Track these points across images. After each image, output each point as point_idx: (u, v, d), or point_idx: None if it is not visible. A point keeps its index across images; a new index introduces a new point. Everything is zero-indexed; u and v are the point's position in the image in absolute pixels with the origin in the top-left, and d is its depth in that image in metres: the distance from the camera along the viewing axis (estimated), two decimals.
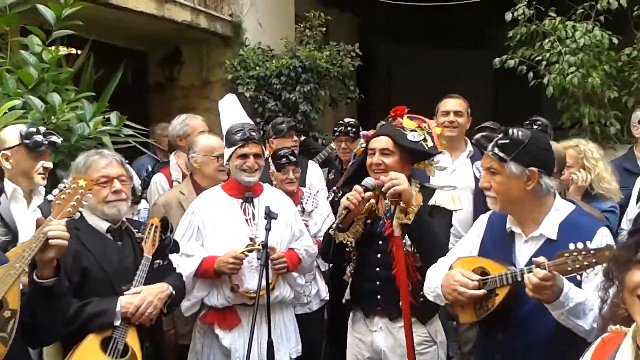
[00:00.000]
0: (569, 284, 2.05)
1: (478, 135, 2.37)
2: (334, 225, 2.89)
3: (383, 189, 2.78)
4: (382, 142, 2.95)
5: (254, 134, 3.26)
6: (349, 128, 4.72)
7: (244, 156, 3.21)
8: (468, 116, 4.25)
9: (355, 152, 3.27)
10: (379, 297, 2.94)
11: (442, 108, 4.25)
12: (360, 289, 2.99)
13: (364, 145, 3.19)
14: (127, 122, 4.05)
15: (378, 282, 2.94)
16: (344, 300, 3.03)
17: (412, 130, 2.98)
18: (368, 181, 2.86)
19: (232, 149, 3.22)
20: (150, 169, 4.96)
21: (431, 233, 2.79)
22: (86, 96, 3.96)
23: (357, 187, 2.84)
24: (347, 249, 2.99)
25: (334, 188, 4.02)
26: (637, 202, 3.84)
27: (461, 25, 10.13)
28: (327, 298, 3.90)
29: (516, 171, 2.21)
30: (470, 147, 4.20)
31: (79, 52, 4.59)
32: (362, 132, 3.35)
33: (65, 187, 2.32)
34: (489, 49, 6.45)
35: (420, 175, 3.18)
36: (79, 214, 2.37)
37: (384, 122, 3.14)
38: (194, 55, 7.66)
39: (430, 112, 4.23)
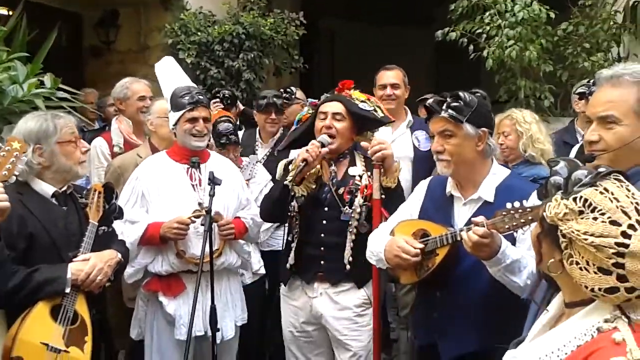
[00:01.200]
0: (506, 242, 2.17)
1: (430, 100, 2.43)
2: (289, 178, 2.89)
3: (369, 152, 2.88)
4: (335, 107, 3.00)
5: (202, 97, 3.19)
6: (289, 95, 4.78)
7: (193, 120, 3.14)
8: (406, 86, 4.28)
9: (301, 118, 3.25)
10: (322, 262, 3.00)
11: (379, 81, 4.25)
12: (304, 255, 3.02)
13: (310, 111, 3.17)
14: (61, 86, 3.88)
15: (322, 248, 2.99)
16: (287, 266, 3.05)
17: (362, 101, 3.06)
18: (324, 137, 2.92)
19: (180, 112, 3.14)
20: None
21: (403, 198, 2.89)
22: (19, 57, 3.76)
23: (314, 141, 2.90)
24: (290, 213, 3.01)
25: (276, 149, 4.00)
26: None
27: (406, 2, 10.20)
28: (261, 272, 3.91)
29: (471, 131, 2.31)
30: (409, 117, 4.26)
31: (11, 12, 4.35)
32: (309, 100, 3.36)
33: None
34: (432, 26, 6.53)
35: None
36: (14, 177, 2.29)
37: (328, 94, 3.16)
38: (131, 18, 7.38)
39: (372, 83, 4.29)
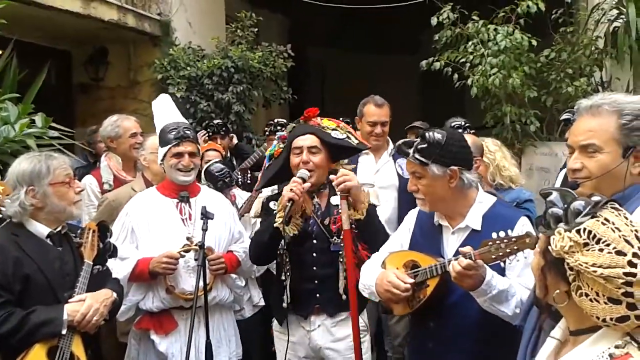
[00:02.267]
0: (491, 272, 2.19)
1: (399, 142, 2.46)
2: (279, 220, 2.88)
3: (334, 184, 2.88)
4: (309, 140, 2.98)
5: (188, 132, 3.22)
6: (279, 127, 4.76)
7: (179, 155, 3.17)
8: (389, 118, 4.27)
9: (273, 154, 3.20)
10: (317, 295, 2.99)
11: (368, 117, 4.21)
12: (298, 290, 3.00)
13: (281, 146, 3.14)
14: (52, 124, 3.91)
15: (316, 281, 2.99)
16: (284, 305, 3.00)
17: (333, 129, 3.06)
18: (304, 172, 2.92)
19: (166, 147, 3.17)
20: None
21: (377, 227, 2.92)
22: (10, 97, 3.80)
23: (295, 178, 2.90)
24: (279, 251, 2.99)
25: (254, 189, 3.90)
26: None
27: (392, 31, 10.38)
28: (261, 304, 3.90)
29: (438, 172, 2.32)
30: (392, 146, 4.24)
31: (1, 52, 4.39)
32: (279, 133, 3.32)
33: None
34: (416, 53, 6.65)
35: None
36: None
37: (295, 124, 3.16)
38: (121, 55, 7.47)
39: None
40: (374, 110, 4.21)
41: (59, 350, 2.43)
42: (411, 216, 2.65)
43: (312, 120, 3.09)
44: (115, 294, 2.72)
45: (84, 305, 2.53)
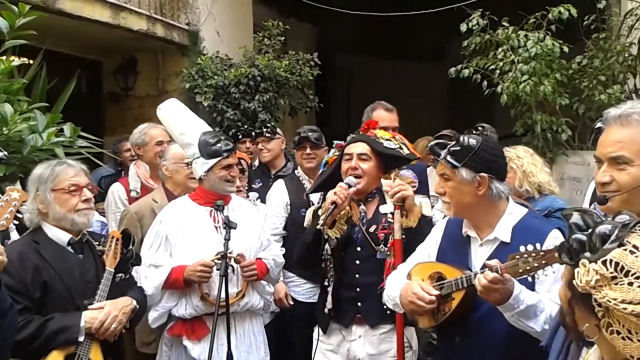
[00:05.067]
0: (519, 287, 2.11)
1: (432, 143, 2.42)
2: (320, 222, 2.87)
3: (390, 193, 2.90)
4: (360, 147, 3.01)
5: (231, 143, 3.28)
6: (310, 134, 4.72)
7: (229, 166, 3.21)
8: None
9: (327, 161, 3.26)
10: (359, 304, 2.95)
11: (380, 123, 3.92)
12: (340, 298, 2.97)
13: (337, 154, 3.18)
14: (81, 133, 3.94)
15: (358, 289, 2.95)
16: (326, 310, 2.99)
17: (387, 140, 3.07)
18: (351, 179, 2.93)
19: (215, 160, 3.18)
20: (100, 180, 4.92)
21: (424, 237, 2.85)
22: (39, 107, 3.84)
23: (341, 184, 2.90)
24: (323, 256, 2.98)
25: (305, 194, 3.94)
26: (589, 205, 3.96)
27: (419, 38, 10.33)
28: (277, 310, 3.87)
29: (467, 177, 2.26)
30: None
31: (31, 61, 4.46)
32: (335, 142, 3.35)
33: None
34: (445, 60, 6.58)
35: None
36: (13, 226, 2.30)
37: (354, 135, 3.18)
38: (150, 64, 7.58)
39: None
40: (385, 115, 4.08)
41: (76, 357, 2.43)
42: (439, 226, 2.59)
43: (370, 132, 3.13)
44: (135, 302, 2.71)
45: (103, 312, 2.53)
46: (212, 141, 3.19)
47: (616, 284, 1.20)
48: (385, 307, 2.85)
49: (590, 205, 3.98)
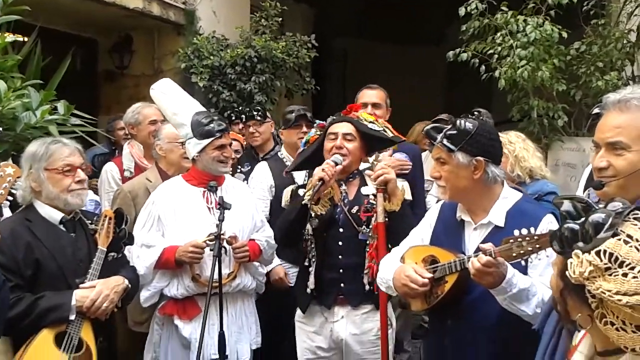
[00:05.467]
0: (512, 270, 2.11)
1: (428, 126, 2.40)
2: (307, 197, 2.87)
3: (372, 176, 2.92)
4: (345, 127, 3.01)
5: (224, 123, 3.25)
6: (306, 112, 4.69)
7: (222, 147, 3.18)
8: (387, 107, 4.11)
9: (309, 140, 3.23)
10: (342, 285, 2.97)
11: (360, 99, 4.07)
12: (322, 279, 2.98)
13: (318, 133, 3.17)
14: (75, 112, 3.91)
15: (341, 270, 2.97)
16: (308, 290, 3.01)
17: (370, 122, 3.08)
18: (337, 157, 2.93)
19: (208, 140, 3.15)
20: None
21: (410, 222, 2.86)
22: (33, 84, 3.80)
23: (328, 161, 2.90)
24: (304, 237, 2.99)
25: (285, 171, 3.81)
26: (584, 190, 3.96)
27: (417, 21, 10.25)
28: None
29: (463, 161, 2.26)
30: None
31: (26, 38, 4.41)
32: (317, 122, 3.35)
33: None
34: (444, 44, 6.53)
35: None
36: (7, 202, 2.28)
37: (335, 116, 3.16)
38: (145, 43, 7.50)
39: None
40: (365, 91, 4.07)
41: (67, 336, 2.43)
42: (433, 210, 2.59)
43: (352, 114, 3.12)
44: (127, 281, 2.71)
45: (94, 291, 2.52)
46: (205, 121, 3.16)
47: (610, 275, 1.19)
48: (365, 287, 2.92)
49: (584, 191, 3.99)
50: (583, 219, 1.26)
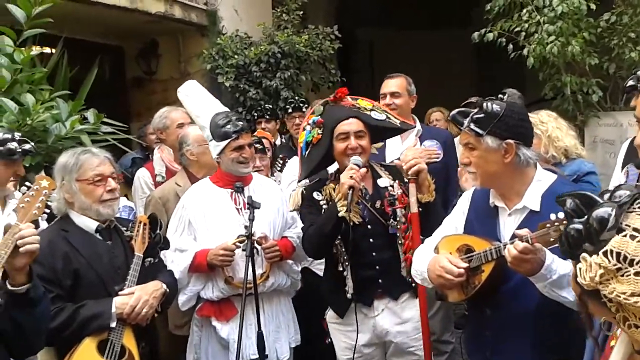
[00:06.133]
0: (551, 256, 2.04)
1: (454, 112, 2.32)
2: (343, 209, 2.78)
3: (404, 167, 2.85)
4: (354, 124, 2.92)
5: (242, 123, 3.21)
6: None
7: (240, 148, 3.16)
8: (410, 95, 4.04)
9: (311, 141, 3.04)
10: (380, 281, 2.94)
11: (381, 90, 4.04)
12: (360, 279, 2.93)
13: (319, 132, 3.01)
14: (106, 119, 3.96)
15: (377, 267, 2.93)
16: (348, 296, 2.94)
17: (371, 110, 2.98)
18: (357, 159, 2.86)
19: (225, 142, 3.14)
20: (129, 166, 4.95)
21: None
22: (62, 95, 3.87)
23: (351, 165, 2.83)
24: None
25: (297, 180, 3.59)
26: (622, 169, 3.83)
27: (441, 6, 10.07)
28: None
29: (493, 145, 2.18)
30: (418, 126, 4.02)
31: (53, 50, 4.48)
32: (313, 119, 3.09)
33: (28, 189, 2.25)
34: (469, 26, 6.39)
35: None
36: (45, 215, 2.31)
37: (322, 106, 3.03)
38: (171, 47, 7.57)
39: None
40: (385, 82, 4.03)
41: (109, 343, 2.46)
42: (465, 198, 2.52)
43: (345, 101, 3.01)
44: (165, 286, 2.72)
45: (133, 297, 2.55)
46: (222, 123, 3.14)
47: (622, 275, 1.11)
48: (404, 278, 2.89)
49: (622, 168, 3.86)
50: (587, 216, 1.18)
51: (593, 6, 5.12)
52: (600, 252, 1.12)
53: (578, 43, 5.05)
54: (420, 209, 2.85)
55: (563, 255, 2.10)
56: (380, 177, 3.01)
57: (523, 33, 5.33)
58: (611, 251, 1.11)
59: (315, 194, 2.98)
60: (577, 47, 5.03)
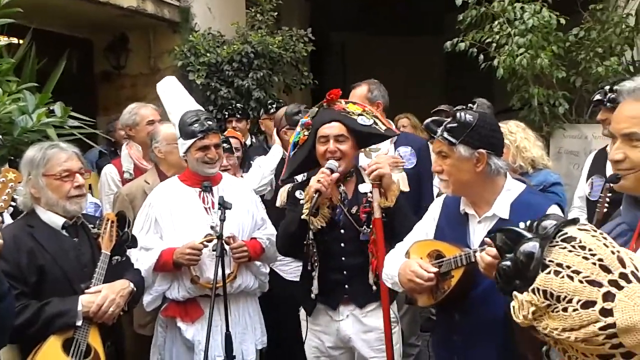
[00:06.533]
0: None
1: (428, 120, 2.36)
2: (305, 212, 2.81)
3: (367, 172, 2.87)
4: (336, 128, 2.91)
5: (211, 123, 3.16)
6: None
7: (205, 148, 3.11)
8: (374, 102, 3.96)
9: (298, 141, 3.08)
10: (346, 286, 2.94)
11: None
12: (326, 281, 2.94)
13: (305, 133, 3.04)
14: (73, 113, 3.88)
15: (345, 272, 2.93)
16: (312, 296, 2.95)
17: (359, 115, 2.97)
18: (332, 163, 2.86)
19: (191, 140, 3.10)
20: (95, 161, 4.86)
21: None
22: (29, 87, 3.77)
23: (323, 169, 2.83)
24: (305, 242, 2.91)
25: (280, 180, 3.70)
26: (587, 180, 3.94)
27: (415, 12, 10.17)
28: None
29: (465, 153, 2.22)
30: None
31: (21, 41, 4.37)
32: (303, 120, 3.14)
33: None
34: (442, 35, 6.48)
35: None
36: (11, 208, 2.26)
37: (317, 108, 3.04)
38: (141, 42, 7.45)
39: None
40: (352, 92, 4.01)
41: (74, 342, 2.41)
42: (436, 204, 2.56)
43: (337, 105, 3.00)
44: (132, 285, 2.68)
45: (100, 296, 2.50)
46: (189, 121, 3.11)
47: (552, 311, 1.10)
48: (372, 287, 2.88)
49: (587, 179, 3.97)
50: (514, 252, 1.18)
51: (563, 21, 5.25)
52: (530, 290, 1.11)
53: (547, 56, 5.17)
54: (384, 214, 2.85)
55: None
56: (363, 182, 3.00)
57: (494, 44, 5.43)
58: (538, 289, 1.11)
59: (297, 193, 2.99)
60: (546, 60, 5.15)
